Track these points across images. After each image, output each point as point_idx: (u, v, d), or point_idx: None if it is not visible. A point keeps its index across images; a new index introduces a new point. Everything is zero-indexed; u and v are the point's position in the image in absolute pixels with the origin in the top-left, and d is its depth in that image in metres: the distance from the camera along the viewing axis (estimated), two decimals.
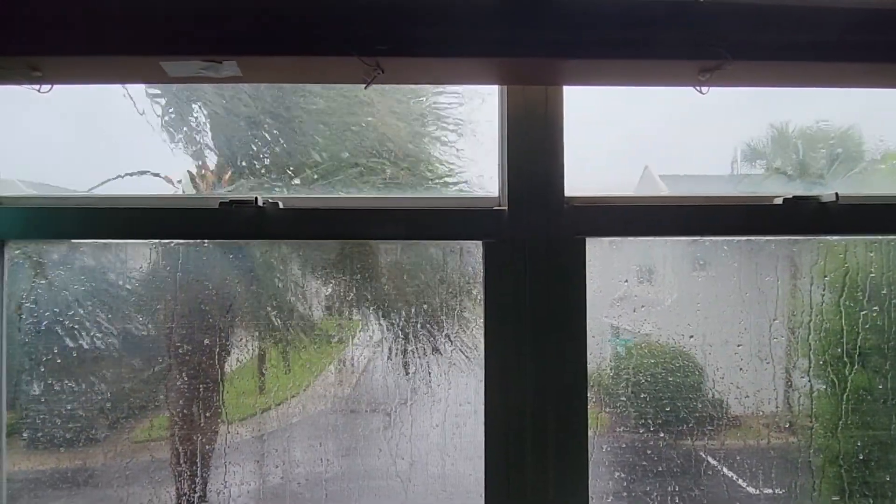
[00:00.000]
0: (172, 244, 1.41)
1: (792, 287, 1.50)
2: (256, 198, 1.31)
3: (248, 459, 1.45)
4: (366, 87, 1.22)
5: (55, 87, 1.22)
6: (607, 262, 1.46)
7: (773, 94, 1.52)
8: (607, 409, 1.48)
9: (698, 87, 1.27)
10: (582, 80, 1.30)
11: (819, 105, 1.59)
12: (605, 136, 1.56)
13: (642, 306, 1.49)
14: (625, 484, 1.48)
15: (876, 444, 1.50)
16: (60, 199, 1.41)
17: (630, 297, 1.49)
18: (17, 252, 1.39)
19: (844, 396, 1.49)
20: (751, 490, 1.50)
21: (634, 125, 1.58)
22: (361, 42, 1.13)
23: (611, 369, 1.49)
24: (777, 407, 1.50)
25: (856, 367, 1.49)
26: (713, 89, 1.27)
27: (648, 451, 1.48)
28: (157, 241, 1.41)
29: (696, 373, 1.50)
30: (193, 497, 1.43)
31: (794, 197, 1.39)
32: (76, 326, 1.42)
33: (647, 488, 1.48)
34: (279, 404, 1.47)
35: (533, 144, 1.37)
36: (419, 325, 1.48)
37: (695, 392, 1.50)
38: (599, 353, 1.46)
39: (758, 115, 1.60)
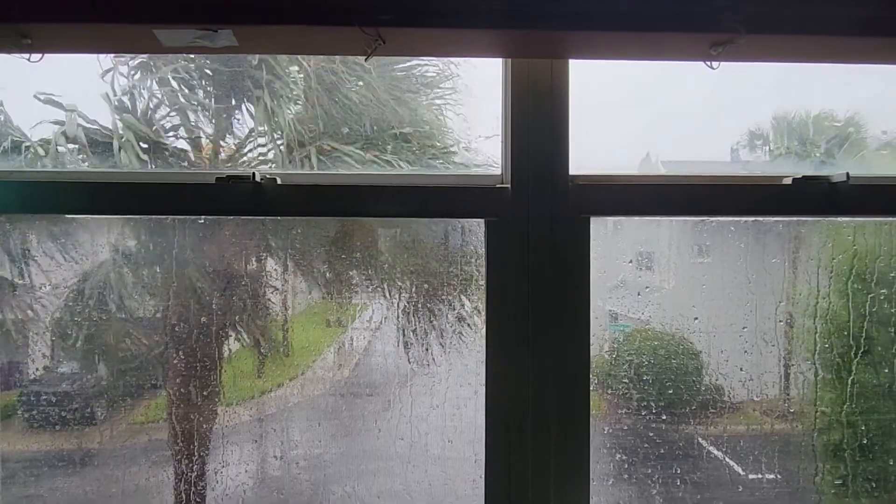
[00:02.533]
0: (168, 220, 1.39)
1: (799, 269, 1.47)
2: (254, 173, 1.28)
3: (246, 441, 1.44)
4: (366, 60, 1.19)
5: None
6: (610, 243, 1.43)
7: (782, 81, 1.48)
8: (609, 393, 1.46)
9: (709, 63, 1.23)
10: (588, 54, 1.26)
11: (825, 91, 1.55)
12: (608, 116, 1.53)
13: (646, 288, 1.46)
14: (626, 467, 1.46)
15: (880, 430, 1.49)
16: (54, 174, 1.38)
17: (633, 280, 1.47)
18: (9, 227, 1.36)
19: (850, 381, 1.47)
20: (752, 476, 1.48)
21: (637, 107, 1.55)
22: (363, 11, 1.09)
23: (612, 353, 1.47)
24: (781, 391, 1.48)
25: (862, 350, 1.47)
26: (722, 74, 1.23)
27: (651, 434, 1.46)
28: (152, 216, 1.38)
29: (700, 357, 1.47)
30: (191, 477, 1.42)
31: (803, 177, 1.36)
32: (65, 304, 1.40)
33: (648, 471, 1.47)
34: (278, 387, 1.45)
35: (537, 121, 1.33)
36: (419, 306, 1.46)
37: (697, 376, 1.48)
38: (602, 336, 1.44)
39: (765, 100, 1.56)
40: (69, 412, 1.40)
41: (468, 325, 1.46)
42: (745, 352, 1.46)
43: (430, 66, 1.54)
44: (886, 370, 1.48)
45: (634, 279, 1.46)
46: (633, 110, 1.54)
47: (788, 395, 1.49)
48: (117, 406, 1.42)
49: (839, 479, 1.49)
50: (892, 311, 1.48)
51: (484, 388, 1.34)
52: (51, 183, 1.31)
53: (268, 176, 1.30)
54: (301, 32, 1.11)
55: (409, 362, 1.47)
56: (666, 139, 1.54)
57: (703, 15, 1.13)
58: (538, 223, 1.32)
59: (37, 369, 1.43)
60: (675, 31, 1.13)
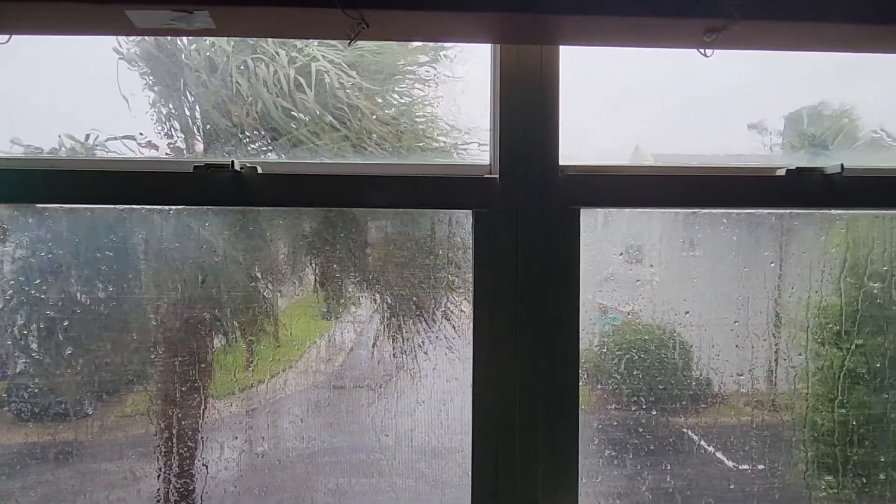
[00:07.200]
0: (144, 210, 1.34)
1: (791, 263, 1.45)
2: (233, 161, 1.23)
3: (231, 435, 1.41)
4: (349, 44, 1.15)
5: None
6: (600, 236, 1.40)
7: (781, 72, 1.46)
8: (599, 387, 1.44)
9: (702, 50, 1.21)
10: (579, 40, 1.22)
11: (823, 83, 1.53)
12: (599, 106, 1.49)
13: (637, 281, 1.44)
14: (615, 462, 1.44)
15: (871, 423, 1.47)
16: (27, 161, 1.33)
17: (623, 273, 1.44)
18: None
19: (841, 374, 1.46)
20: (743, 467, 1.47)
21: (630, 98, 1.51)
22: None
23: (602, 346, 1.44)
24: (772, 385, 1.47)
25: (854, 344, 1.45)
26: (718, 66, 1.20)
27: (640, 429, 1.44)
28: (127, 206, 1.33)
29: (690, 350, 1.45)
30: (170, 474, 1.38)
31: (797, 168, 1.34)
32: (41, 297, 1.35)
33: (638, 466, 1.45)
34: (262, 382, 1.42)
35: (527, 110, 1.30)
36: (405, 299, 1.42)
37: (688, 370, 1.46)
38: (591, 330, 1.41)
39: (764, 92, 1.53)
40: (49, 407, 1.37)
41: (455, 318, 1.43)
42: (737, 346, 1.44)
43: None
44: (878, 364, 1.46)
45: (625, 272, 1.44)
46: (625, 101, 1.51)
47: (780, 388, 1.47)
48: (101, 401, 1.38)
49: (829, 473, 1.48)
50: (886, 304, 1.46)
51: (471, 382, 1.32)
52: (23, 171, 1.26)
53: (248, 164, 1.25)
54: (280, 14, 1.07)
55: (395, 356, 1.44)
56: (659, 131, 1.51)
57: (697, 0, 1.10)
58: (527, 214, 1.29)
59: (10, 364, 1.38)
60: (667, 16, 1.10)
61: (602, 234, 1.41)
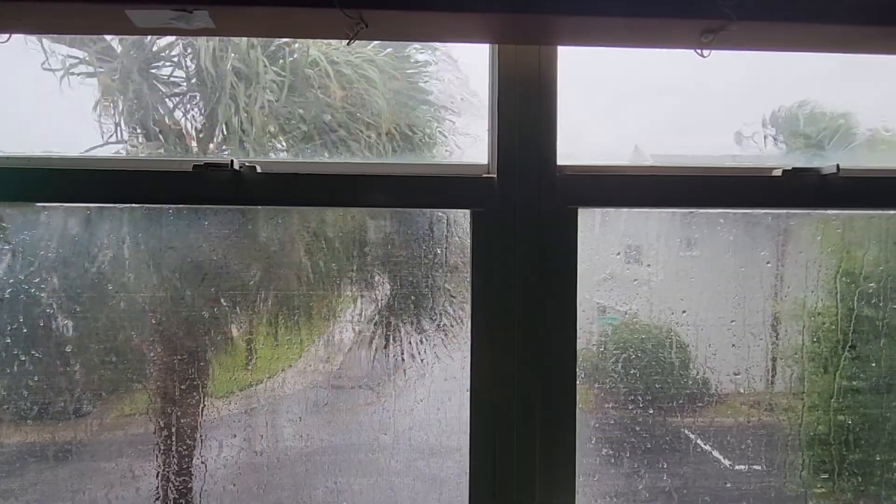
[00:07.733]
0: (144, 209, 1.34)
1: (788, 263, 1.46)
2: (232, 161, 1.24)
3: (230, 434, 1.41)
4: (348, 44, 1.16)
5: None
6: (598, 235, 1.41)
7: (778, 73, 1.47)
8: (597, 386, 1.45)
9: (699, 51, 1.21)
10: (577, 40, 1.23)
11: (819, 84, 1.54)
12: (597, 106, 1.50)
13: (634, 280, 1.44)
14: (612, 461, 1.45)
15: (867, 423, 1.48)
16: (25, 160, 1.33)
17: (621, 273, 1.44)
18: None
19: (837, 374, 1.47)
20: (739, 467, 1.48)
21: (629, 98, 1.52)
22: None
23: (600, 345, 1.45)
24: (768, 385, 1.47)
25: (849, 344, 1.46)
26: (716, 68, 1.21)
27: (637, 428, 1.45)
28: (126, 205, 1.33)
29: (687, 350, 1.46)
30: (169, 472, 1.39)
31: (793, 169, 1.34)
32: (41, 296, 1.36)
33: (635, 465, 1.45)
34: (260, 381, 1.42)
35: (525, 109, 1.30)
36: (403, 298, 1.43)
37: (685, 369, 1.46)
38: (589, 329, 1.42)
39: (761, 93, 1.54)
40: (48, 405, 1.37)
41: (453, 317, 1.43)
42: (733, 345, 1.45)
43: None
44: (873, 364, 1.47)
45: (622, 272, 1.44)
46: (623, 101, 1.51)
47: (776, 388, 1.48)
48: (101, 400, 1.39)
49: (825, 472, 1.49)
50: (881, 304, 1.47)
51: (469, 381, 1.32)
52: (21, 170, 1.27)
53: (247, 164, 1.26)
54: (280, 14, 1.07)
55: (393, 355, 1.44)
56: (657, 131, 1.52)
57: (695, 0, 1.11)
58: (525, 214, 1.30)
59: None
60: (665, 16, 1.11)
61: (600, 233, 1.42)
